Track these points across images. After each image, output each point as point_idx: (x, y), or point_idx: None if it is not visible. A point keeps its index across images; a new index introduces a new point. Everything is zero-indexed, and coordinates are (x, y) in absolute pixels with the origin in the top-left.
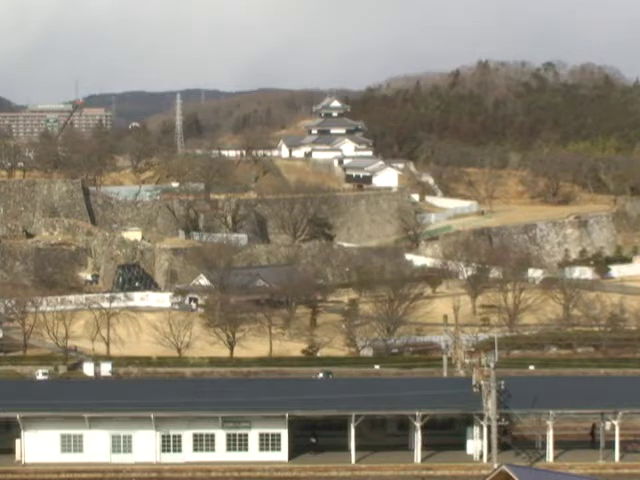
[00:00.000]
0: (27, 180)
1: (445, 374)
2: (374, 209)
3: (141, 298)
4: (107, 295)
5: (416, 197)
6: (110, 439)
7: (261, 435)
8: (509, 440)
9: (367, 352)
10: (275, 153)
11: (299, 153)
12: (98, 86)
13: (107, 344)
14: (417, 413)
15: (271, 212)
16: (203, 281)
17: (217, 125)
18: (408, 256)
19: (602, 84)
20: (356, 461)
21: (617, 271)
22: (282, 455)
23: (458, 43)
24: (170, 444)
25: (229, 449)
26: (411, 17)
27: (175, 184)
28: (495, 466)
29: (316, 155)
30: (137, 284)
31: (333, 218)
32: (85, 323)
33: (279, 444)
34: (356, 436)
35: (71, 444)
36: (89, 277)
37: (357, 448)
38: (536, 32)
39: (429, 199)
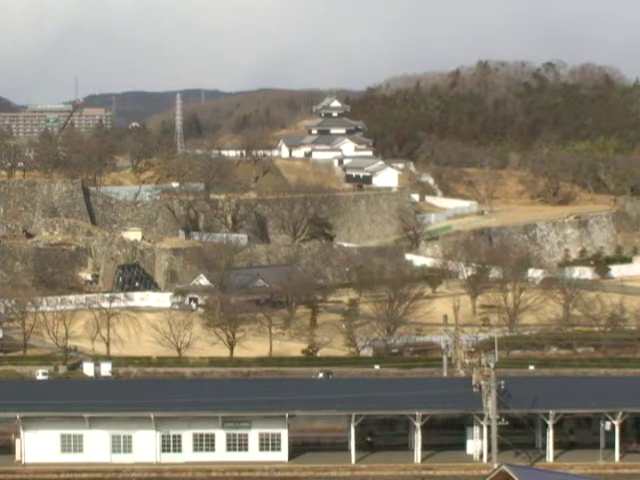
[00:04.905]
0: (27, 180)
1: (445, 374)
2: (374, 209)
3: (141, 298)
4: (107, 295)
5: (416, 197)
6: (110, 439)
7: (261, 435)
8: (573, 439)
9: (367, 352)
10: (275, 153)
11: (299, 153)
12: (98, 86)
13: (107, 344)
14: (417, 413)
15: (271, 212)
16: (203, 281)
17: (217, 125)
18: (408, 256)
19: (602, 84)
20: (356, 461)
21: (617, 271)
22: (282, 455)
23: (458, 43)
24: (170, 444)
25: (229, 449)
26: (411, 17)
27: (175, 184)
28: (495, 466)
29: (316, 155)
30: (137, 284)
31: (333, 218)
32: (85, 323)
33: (279, 444)
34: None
35: (71, 444)
36: (89, 277)
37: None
38: (536, 32)
39: (429, 199)
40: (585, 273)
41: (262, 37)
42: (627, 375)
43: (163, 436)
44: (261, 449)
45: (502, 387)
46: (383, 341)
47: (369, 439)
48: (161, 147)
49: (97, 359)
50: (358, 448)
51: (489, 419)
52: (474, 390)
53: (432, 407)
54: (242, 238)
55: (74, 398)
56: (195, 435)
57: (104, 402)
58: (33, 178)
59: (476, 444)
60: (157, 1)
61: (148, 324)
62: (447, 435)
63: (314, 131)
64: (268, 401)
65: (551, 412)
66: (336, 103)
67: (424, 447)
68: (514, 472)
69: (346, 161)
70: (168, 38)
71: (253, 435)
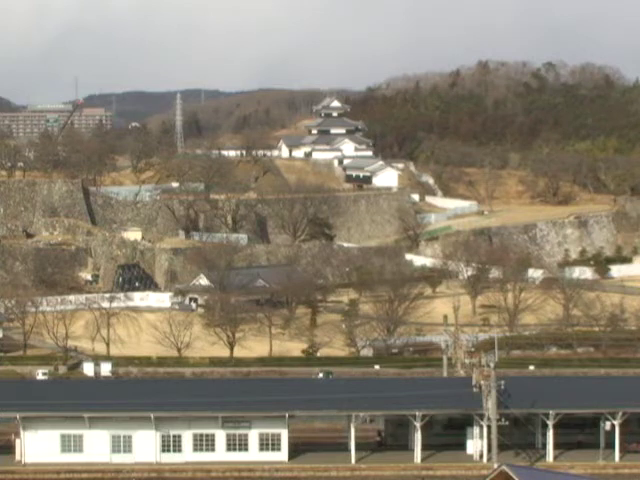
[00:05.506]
0: (27, 180)
1: (445, 374)
2: (374, 209)
3: (141, 298)
4: (107, 295)
5: (416, 197)
6: (110, 439)
7: (261, 435)
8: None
9: (367, 352)
10: (275, 153)
11: (299, 153)
12: (98, 86)
13: (107, 344)
14: (417, 413)
15: (271, 212)
16: (203, 281)
17: (217, 125)
18: (408, 256)
19: (602, 84)
20: (356, 461)
21: (617, 271)
22: (282, 455)
23: (458, 43)
24: (170, 444)
25: (229, 449)
26: (411, 17)
27: (175, 184)
28: (495, 466)
29: (316, 155)
30: (137, 284)
31: (333, 218)
32: (85, 323)
33: (279, 444)
34: None
35: (71, 444)
36: (89, 277)
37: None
38: (536, 32)
39: (429, 199)
40: (585, 273)
41: (262, 37)
42: (627, 375)
43: (163, 436)
44: (261, 449)
45: (502, 387)
46: (383, 341)
47: (378, 438)
48: (161, 147)
49: (97, 359)
50: (358, 448)
51: (489, 419)
52: (474, 390)
53: (432, 407)
54: (242, 238)
55: (74, 398)
56: (195, 435)
57: (104, 402)
58: (33, 178)
59: (476, 444)
60: (157, 1)
61: (148, 324)
62: (447, 435)
63: (314, 131)
64: (268, 401)
65: (551, 412)
66: (336, 103)
67: (424, 447)
68: (514, 472)
69: (346, 161)
70: (168, 38)
71: (253, 435)
